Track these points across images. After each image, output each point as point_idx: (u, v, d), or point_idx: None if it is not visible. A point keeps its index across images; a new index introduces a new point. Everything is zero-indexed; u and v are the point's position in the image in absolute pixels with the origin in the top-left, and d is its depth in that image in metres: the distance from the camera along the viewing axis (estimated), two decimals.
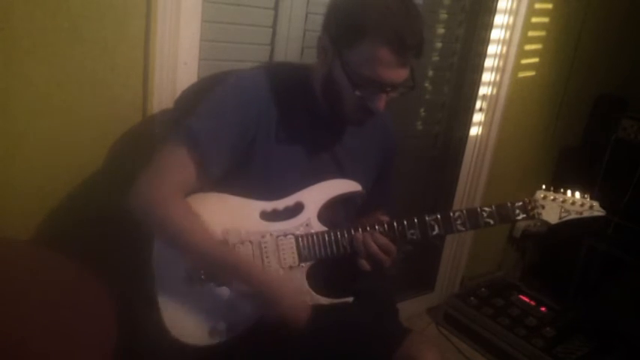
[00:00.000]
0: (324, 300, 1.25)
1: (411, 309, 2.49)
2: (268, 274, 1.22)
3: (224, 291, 1.22)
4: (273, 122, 1.25)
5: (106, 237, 1.38)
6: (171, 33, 1.42)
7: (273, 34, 1.67)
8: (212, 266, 1.20)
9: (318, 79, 1.26)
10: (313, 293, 1.25)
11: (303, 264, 1.25)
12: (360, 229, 1.27)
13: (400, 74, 1.18)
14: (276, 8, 1.65)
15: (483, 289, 2.61)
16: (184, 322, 1.19)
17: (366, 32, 1.13)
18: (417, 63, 1.20)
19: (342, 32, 1.17)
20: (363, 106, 1.21)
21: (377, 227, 1.27)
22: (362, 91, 1.18)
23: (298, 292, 1.23)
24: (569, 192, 1.36)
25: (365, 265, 1.26)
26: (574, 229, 1.37)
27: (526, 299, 2.57)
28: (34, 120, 1.32)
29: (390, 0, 1.15)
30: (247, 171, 1.25)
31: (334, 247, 1.26)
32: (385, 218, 1.30)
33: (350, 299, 1.28)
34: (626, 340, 2.30)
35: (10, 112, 1.29)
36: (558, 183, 1.38)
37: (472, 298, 2.53)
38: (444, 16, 2.16)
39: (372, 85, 1.17)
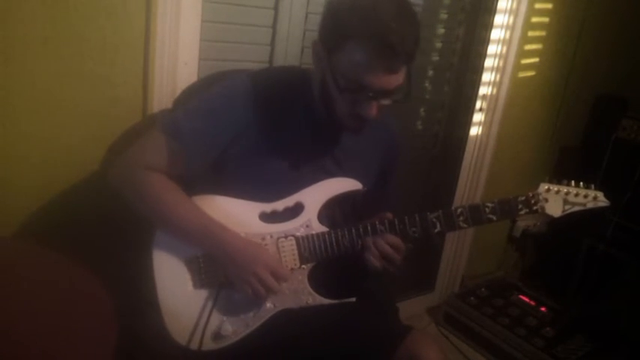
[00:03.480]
0: (326, 301, 1.25)
1: (411, 309, 2.49)
2: (246, 240, 1.21)
3: (227, 294, 1.21)
4: (268, 125, 1.24)
5: (105, 237, 1.38)
6: (171, 33, 1.42)
7: (273, 34, 1.67)
8: (190, 235, 1.20)
9: (316, 84, 1.25)
10: (315, 294, 1.24)
11: (304, 265, 1.25)
12: (361, 229, 1.26)
13: (389, 81, 1.13)
14: (276, 8, 1.65)
15: (483, 289, 2.61)
16: (186, 326, 1.19)
17: (349, 35, 1.10)
18: (416, 64, 1.17)
19: (329, 35, 1.16)
20: (354, 112, 1.18)
21: (377, 225, 1.26)
22: (348, 96, 1.15)
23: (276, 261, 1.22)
24: (572, 183, 1.32)
25: (375, 262, 1.25)
26: (574, 228, 1.36)
27: (526, 299, 2.57)
28: (33, 119, 1.32)
29: (381, 3, 1.11)
30: (243, 173, 1.24)
31: (335, 247, 1.25)
32: (389, 216, 1.28)
33: (352, 299, 1.27)
34: (626, 340, 2.30)
35: (10, 111, 1.29)
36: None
37: (472, 298, 2.53)
38: (444, 16, 2.16)
39: (358, 91, 1.14)
